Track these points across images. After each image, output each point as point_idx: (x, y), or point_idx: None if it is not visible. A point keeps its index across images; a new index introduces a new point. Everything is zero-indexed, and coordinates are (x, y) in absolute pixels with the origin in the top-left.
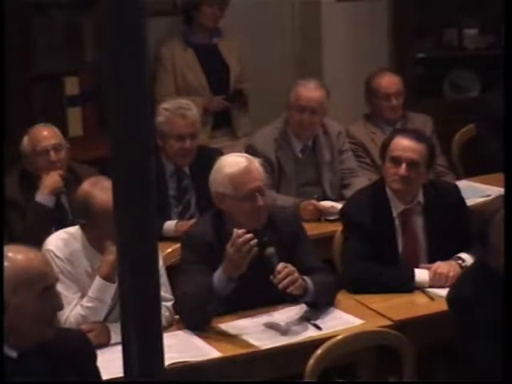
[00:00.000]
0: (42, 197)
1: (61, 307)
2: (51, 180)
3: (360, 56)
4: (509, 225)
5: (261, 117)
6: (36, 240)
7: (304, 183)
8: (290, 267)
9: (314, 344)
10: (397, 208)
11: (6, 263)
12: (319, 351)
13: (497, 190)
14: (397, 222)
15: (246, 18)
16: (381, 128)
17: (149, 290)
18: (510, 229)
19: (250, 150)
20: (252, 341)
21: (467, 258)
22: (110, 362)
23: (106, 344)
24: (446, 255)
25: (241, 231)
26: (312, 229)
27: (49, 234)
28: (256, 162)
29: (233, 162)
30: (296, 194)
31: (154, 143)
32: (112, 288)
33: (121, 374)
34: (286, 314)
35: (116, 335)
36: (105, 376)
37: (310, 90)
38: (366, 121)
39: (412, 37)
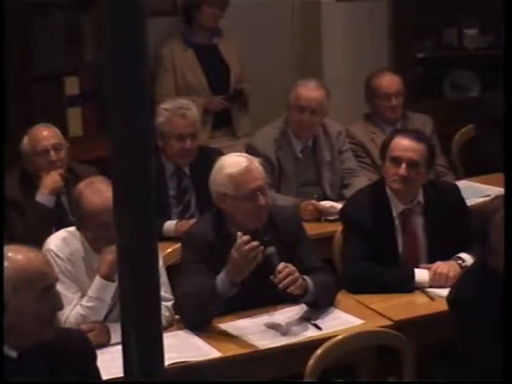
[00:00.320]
0: (42, 197)
1: (61, 307)
2: (51, 180)
3: (360, 56)
4: (509, 225)
5: (261, 117)
6: (36, 240)
7: (304, 183)
8: (291, 267)
9: (314, 344)
10: (397, 208)
11: (6, 263)
12: (319, 351)
13: (497, 190)
14: (397, 222)
15: (245, 17)
16: (381, 128)
17: (149, 290)
18: (510, 229)
19: (250, 150)
20: (252, 341)
21: (467, 258)
22: (110, 362)
23: (105, 344)
24: (446, 255)
25: (246, 237)
26: (312, 229)
27: (49, 233)
28: (256, 162)
29: (233, 162)
30: (296, 194)
31: (154, 143)
32: (112, 287)
33: (121, 374)
34: (286, 314)
35: (116, 335)
36: (105, 376)
37: (310, 90)
38: (366, 121)
39: (412, 37)
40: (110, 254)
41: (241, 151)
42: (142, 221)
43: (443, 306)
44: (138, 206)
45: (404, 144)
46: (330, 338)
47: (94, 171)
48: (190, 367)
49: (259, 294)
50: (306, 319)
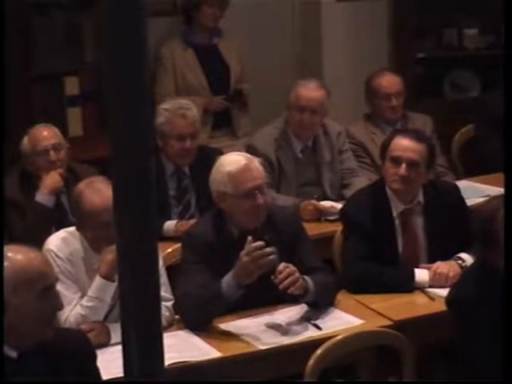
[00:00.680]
0: (42, 197)
1: (61, 307)
2: (51, 180)
3: (360, 56)
4: (509, 225)
5: (261, 117)
6: (36, 240)
7: (304, 183)
8: (292, 267)
9: (314, 344)
10: (397, 208)
11: (6, 263)
12: (319, 351)
13: (497, 190)
14: (397, 222)
15: (246, 17)
16: (381, 128)
17: (149, 290)
18: (510, 229)
19: (250, 150)
20: (252, 341)
21: (467, 258)
22: (110, 361)
23: (105, 344)
24: (446, 255)
25: (258, 243)
26: (312, 229)
27: (49, 233)
28: (256, 161)
29: (232, 161)
30: (296, 194)
31: (154, 143)
32: (112, 287)
33: (121, 374)
34: (286, 314)
35: (116, 335)
36: (105, 376)
37: (310, 90)
38: (366, 121)
39: (412, 37)
40: (110, 254)
41: (241, 151)
42: (142, 221)
43: (443, 306)
44: (138, 206)
45: (404, 144)
46: (330, 338)
47: (93, 171)
48: (190, 367)
49: (259, 294)
50: (306, 319)
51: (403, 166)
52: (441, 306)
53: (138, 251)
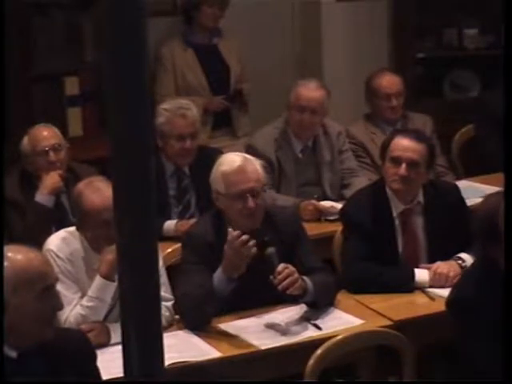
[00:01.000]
0: (42, 197)
1: (61, 307)
2: (51, 180)
3: (360, 56)
4: (509, 225)
5: (261, 117)
6: (36, 240)
7: (304, 183)
8: (291, 268)
9: (314, 344)
10: (397, 208)
11: (6, 263)
12: (319, 351)
13: (497, 190)
14: (397, 222)
15: (246, 17)
16: (381, 128)
17: (149, 290)
18: (510, 229)
19: (250, 150)
20: (252, 341)
21: (467, 258)
22: (110, 361)
23: (105, 344)
24: (446, 255)
25: (236, 233)
26: (312, 229)
27: (49, 233)
28: (255, 162)
29: (228, 161)
30: (296, 194)
31: (154, 143)
32: (112, 287)
33: (121, 374)
34: (286, 314)
35: (116, 335)
36: (105, 376)
37: (310, 90)
38: (366, 121)
39: (412, 37)
40: (110, 254)
41: (241, 151)
42: (142, 221)
43: (443, 306)
44: (138, 205)
45: (404, 144)
46: (330, 338)
47: (93, 171)
48: (190, 367)
49: (259, 294)
50: (305, 319)
51: (403, 166)
52: (441, 306)
53: (138, 251)
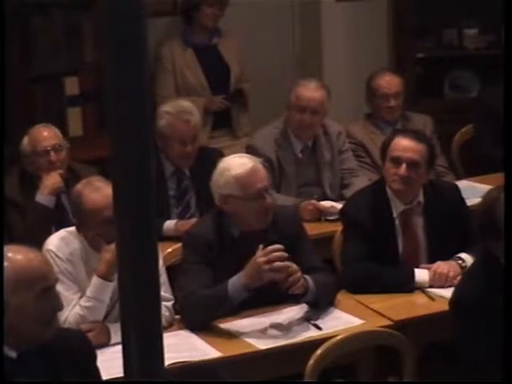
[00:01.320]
0: (43, 197)
1: (61, 308)
2: (51, 180)
3: (360, 56)
4: (509, 225)
5: (261, 117)
6: (36, 240)
7: (304, 183)
8: (294, 266)
9: (314, 344)
10: (397, 208)
11: (5, 263)
12: (319, 351)
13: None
14: (397, 222)
15: (246, 18)
16: (381, 128)
17: (149, 290)
18: (510, 229)
19: (250, 150)
20: (252, 341)
21: (467, 258)
22: (110, 361)
23: (105, 344)
24: (446, 255)
25: (277, 246)
26: (312, 229)
27: (49, 234)
28: (258, 162)
29: (238, 164)
30: (296, 194)
31: (154, 143)
32: (110, 287)
33: (121, 374)
34: (286, 314)
35: (116, 335)
36: (105, 376)
37: (310, 90)
38: (366, 121)
39: (412, 37)
40: (108, 254)
41: (241, 151)
42: (142, 221)
43: (443, 306)
44: (138, 206)
45: (404, 144)
46: (330, 338)
47: (93, 171)
48: (190, 367)
49: (259, 294)
50: (306, 319)
51: (403, 166)
52: (441, 306)
53: (138, 251)
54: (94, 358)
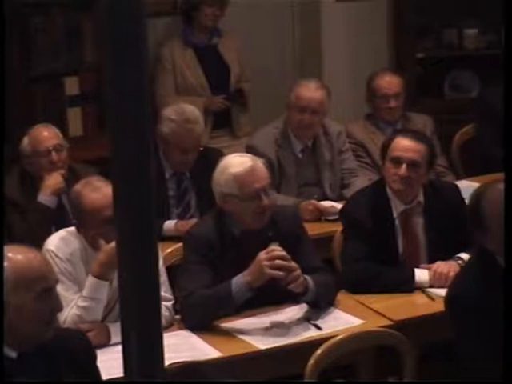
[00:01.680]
0: (45, 197)
1: (60, 309)
2: (54, 181)
3: (360, 56)
4: (509, 225)
5: (261, 117)
6: (37, 240)
7: (304, 183)
8: (293, 264)
9: (314, 344)
10: (397, 208)
11: (5, 263)
12: (319, 351)
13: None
14: (397, 222)
15: (246, 17)
16: (381, 128)
17: (149, 290)
18: (510, 229)
19: (250, 150)
20: (252, 341)
21: (467, 258)
22: (110, 361)
23: (105, 344)
24: (446, 255)
25: (279, 249)
26: (312, 229)
27: (49, 234)
28: (259, 162)
29: (238, 162)
30: (296, 194)
31: (154, 144)
32: (105, 286)
33: (121, 374)
34: (286, 314)
35: (116, 335)
36: (105, 376)
37: (310, 91)
38: (366, 121)
39: (412, 37)
40: (102, 253)
41: (241, 151)
42: (142, 221)
43: (443, 306)
44: (138, 206)
45: (405, 144)
46: (330, 338)
47: (93, 171)
48: (190, 367)
49: (260, 294)
50: (306, 319)
51: (404, 166)
52: (441, 306)
53: (138, 251)
54: (94, 358)
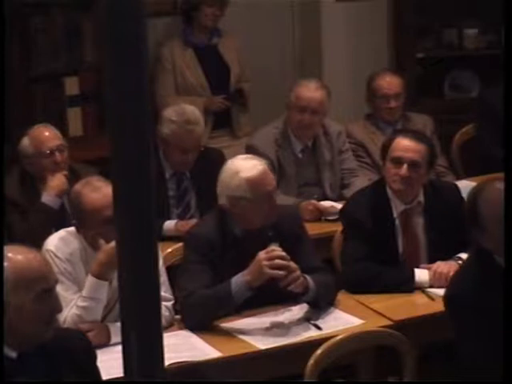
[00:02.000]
0: (49, 198)
1: (59, 310)
2: (57, 181)
3: (360, 56)
4: (509, 225)
5: (261, 117)
6: (37, 241)
7: (304, 183)
8: (293, 264)
9: (314, 344)
10: (397, 208)
11: (5, 263)
12: (319, 351)
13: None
14: (397, 222)
15: (246, 17)
16: (381, 128)
17: (149, 290)
18: (510, 229)
19: (250, 150)
20: (252, 341)
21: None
22: (110, 361)
23: (105, 344)
24: (446, 255)
25: (279, 249)
26: (312, 229)
27: (49, 235)
28: (266, 165)
29: (249, 166)
30: (296, 194)
31: (154, 144)
32: (105, 286)
33: (121, 374)
34: (286, 314)
35: (116, 335)
36: (105, 376)
37: (310, 91)
38: (366, 121)
39: (412, 37)
40: (102, 253)
41: (241, 151)
42: (142, 221)
43: (443, 306)
44: (138, 206)
45: (405, 144)
46: (330, 338)
47: (93, 171)
48: (189, 367)
49: (260, 294)
50: (306, 319)
51: (404, 166)
52: (441, 306)
53: (138, 251)
54: (94, 358)
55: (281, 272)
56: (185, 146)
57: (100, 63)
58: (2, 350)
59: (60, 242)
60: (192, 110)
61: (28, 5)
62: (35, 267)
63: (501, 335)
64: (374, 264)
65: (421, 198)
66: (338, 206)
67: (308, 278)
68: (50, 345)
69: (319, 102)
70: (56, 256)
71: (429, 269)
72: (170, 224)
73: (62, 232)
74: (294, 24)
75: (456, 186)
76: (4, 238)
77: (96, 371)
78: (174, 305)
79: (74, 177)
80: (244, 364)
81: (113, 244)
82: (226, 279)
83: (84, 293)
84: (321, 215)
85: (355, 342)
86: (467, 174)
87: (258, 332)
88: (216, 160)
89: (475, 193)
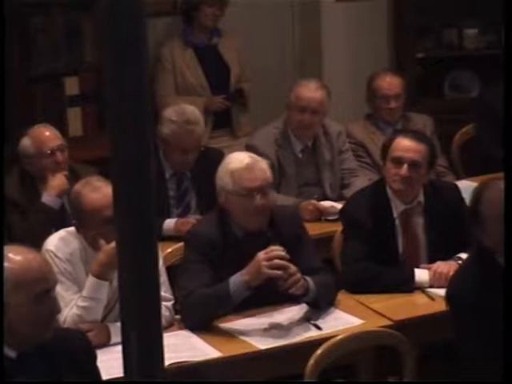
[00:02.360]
0: (50, 198)
1: (58, 311)
2: (58, 182)
3: (360, 56)
4: (509, 225)
5: (261, 117)
6: (37, 241)
7: (304, 183)
8: (293, 267)
9: (314, 344)
10: (397, 208)
11: (5, 263)
12: (319, 351)
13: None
14: (397, 222)
15: (246, 17)
16: (381, 128)
17: (149, 290)
18: (510, 229)
19: (250, 150)
20: (252, 341)
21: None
22: (110, 361)
23: (105, 344)
24: (446, 255)
25: (278, 248)
26: (312, 229)
27: (50, 235)
28: (262, 162)
29: (237, 159)
30: (296, 194)
31: (154, 144)
32: (105, 286)
33: (121, 374)
34: (286, 314)
35: (116, 335)
36: (105, 376)
37: (310, 91)
38: (366, 121)
39: (412, 37)
40: (102, 253)
41: (241, 151)
42: (142, 221)
43: (443, 306)
44: (138, 206)
45: (405, 144)
46: (330, 338)
47: (93, 171)
48: (189, 367)
49: (260, 294)
50: (306, 319)
51: (405, 166)
52: (441, 306)
53: (138, 251)
54: (94, 358)
55: (279, 272)
56: (185, 146)
57: (100, 63)
58: (2, 350)
59: (60, 242)
60: (192, 110)
61: (28, 5)
62: (35, 267)
63: (501, 335)
64: (374, 264)
65: (421, 198)
66: (338, 206)
67: (308, 279)
68: (49, 345)
69: (319, 101)
70: (56, 256)
71: (429, 269)
72: (169, 223)
73: (62, 232)
74: (294, 24)
75: (456, 186)
76: (4, 237)
77: (96, 371)
78: (174, 305)
79: (74, 177)
80: (244, 364)
81: (113, 244)
82: (225, 279)
83: (84, 293)
84: (321, 215)
85: (355, 342)
86: (467, 174)
87: (258, 332)
88: (216, 160)
89: (477, 192)
